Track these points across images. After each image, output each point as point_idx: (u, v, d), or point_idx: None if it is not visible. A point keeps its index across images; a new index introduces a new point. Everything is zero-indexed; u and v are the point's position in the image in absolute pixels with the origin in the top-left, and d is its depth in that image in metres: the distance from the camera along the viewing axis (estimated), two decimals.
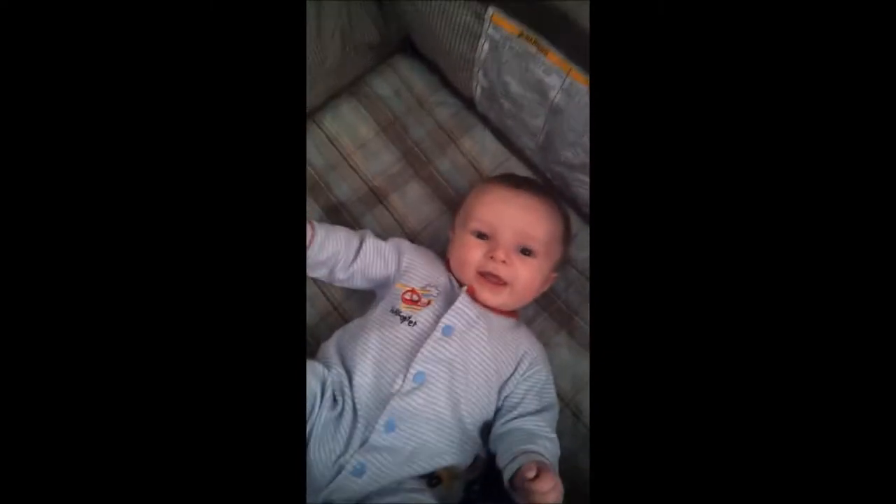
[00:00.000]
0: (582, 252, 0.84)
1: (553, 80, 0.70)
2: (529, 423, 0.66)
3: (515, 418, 0.67)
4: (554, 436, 0.67)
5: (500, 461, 0.63)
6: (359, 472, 0.60)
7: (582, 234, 0.85)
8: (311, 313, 0.81)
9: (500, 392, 0.69)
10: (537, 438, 0.64)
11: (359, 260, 0.77)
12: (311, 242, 0.72)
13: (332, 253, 0.74)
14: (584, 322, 0.81)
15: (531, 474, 0.56)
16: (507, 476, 0.61)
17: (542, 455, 0.62)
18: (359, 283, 0.79)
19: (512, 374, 0.70)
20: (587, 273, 0.83)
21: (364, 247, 0.78)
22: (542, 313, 0.81)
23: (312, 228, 0.73)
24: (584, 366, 0.78)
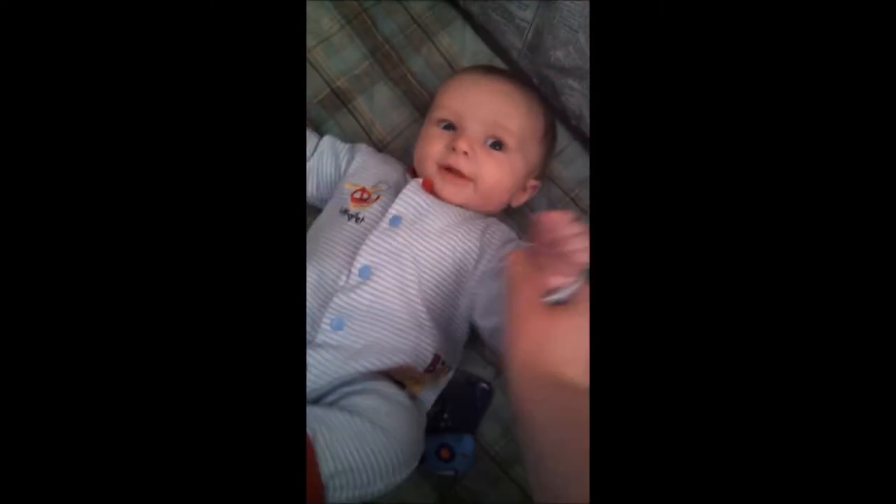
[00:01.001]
0: (568, 170, 0.75)
1: None
2: None
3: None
4: None
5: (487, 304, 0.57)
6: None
7: (569, 149, 0.75)
8: None
9: (464, 285, 0.61)
10: None
11: (312, 159, 0.69)
12: None
13: None
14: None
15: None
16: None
17: None
18: (309, 188, 0.70)
19: (477, 264, 0.61)
20: (572, 194, 0.75)
21: (320, 144, 0.70)
22: (519, 233, 0.72)
23: None
24: None
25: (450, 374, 0.65)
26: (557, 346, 0.43)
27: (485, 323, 0.59)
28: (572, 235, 0.42)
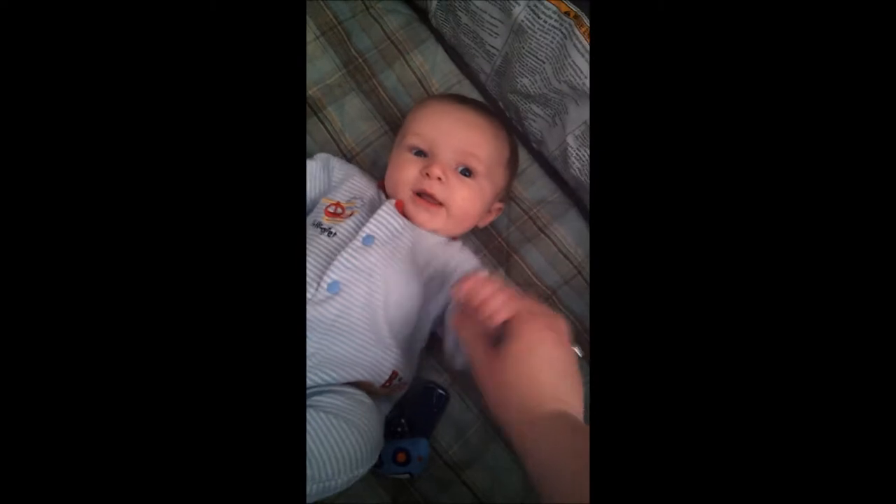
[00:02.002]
0: (528, 191, 0.80)
1: None
2: None
3: None
4: None
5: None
6: None
7: (530, 170, 0.80)
8: None
9: (427, 308, 0.65)
10: None
11: None
12: None
13: None
14: (521, 262, 0.77)
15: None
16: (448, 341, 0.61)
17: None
18: None
19: (441, 288, 0.64)
20: (531, 213, 0.79)
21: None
22: (481, 249, 0.76)
23: None
24: None
25: (405, 389, 0.67)
26: (520, 380, 0.48)
27: (454, 363, 0.64)
28: (489, 297, 0.50)
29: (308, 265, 0.61)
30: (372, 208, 0.65)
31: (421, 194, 0.66)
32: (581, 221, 0.78)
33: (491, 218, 0.74)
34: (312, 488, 0.52)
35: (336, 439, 0.53)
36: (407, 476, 0.66)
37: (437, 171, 0.64)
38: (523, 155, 0.79)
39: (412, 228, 0.65)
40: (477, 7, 0.70)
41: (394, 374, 0.63)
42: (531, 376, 0.47)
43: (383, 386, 0.62)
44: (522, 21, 0.65)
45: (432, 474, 0.68)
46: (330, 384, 0.58)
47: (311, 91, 0.80)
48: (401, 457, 0.65)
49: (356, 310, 0.60)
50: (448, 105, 0.71)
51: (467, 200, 0.66)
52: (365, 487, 0.67)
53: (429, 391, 0.69)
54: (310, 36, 0.82)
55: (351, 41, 0.83)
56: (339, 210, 0.66)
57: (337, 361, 0.59)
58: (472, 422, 0.71)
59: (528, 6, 0.64)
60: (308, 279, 0.60)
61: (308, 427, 0.52)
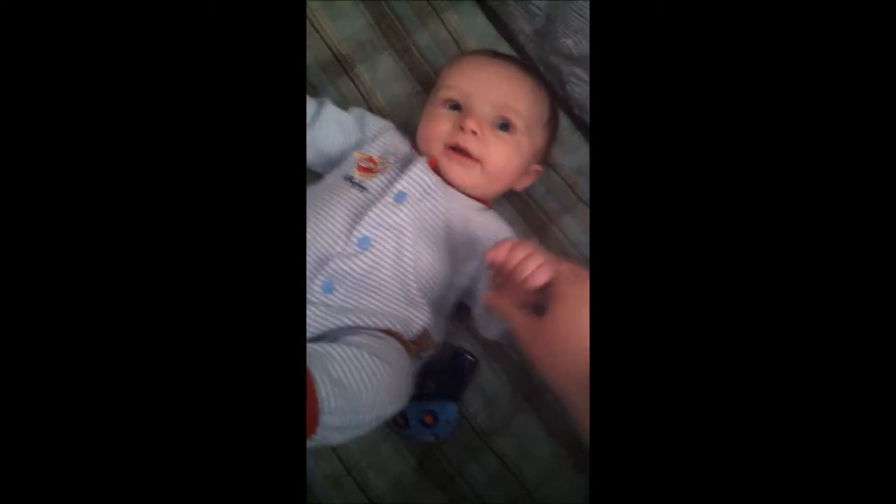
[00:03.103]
0: (567, 158, 0.77)
1: None
2: None
3: None
4: None
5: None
6: None
7: (570, 138, 0.78)
8: None
9: (457, 269, 0.63)
10: None
11: (315, 128, 0.67)
12: None
13: None
14: (558, 231, 0.75)
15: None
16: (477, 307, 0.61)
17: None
18: (310, 157, 0.69)
19: (471, 256, 0.63)
20: (570, 181, 0.77)
21: (323, 112, 0.68)
22: (516, 218, 0.74)
23: None
24: None
25: (434, 349, 0.66)
26: (568, 343, 0.48)
27: (486, 332, 0.63)
28: (524, 260, 0.50)
29: (337, 218, 0.60)
30: (405, 165, 0.63)
31: (455, 149, 0.64)
32: None
33: (528, 181, 0.72)
34: (346, 420, 0.50)
35: (367, 372, 0.51)
36: (433, 439, 0.65)
37: (471, 125, 0.62)
38: (564, 122, 0.76)
39: (445, 188, 0.64)
40: None
41: (425, 331, 0.62)
42: (581, 337, 0.46)
43: (413, 341, 0.61)
44: None
45: (460, 440, 0.67)
46: (360, 327, 0.57)
47: (342, 47, 0.78)
48: (428, 419, 0.64)
49: (386, 266, 0.59)
50: (485, 58, 0.69)
51: (504, 156, 0.64)
52: (391, 451, 0.67)
53: (458, 356, 0.68)
54: None
55: None
56: (372, 165, 0.64)
57: (366, 311, 0.58)
58: (501, 390, 0.69)
59: None
60: (337, 232, 0.59)
61: (341, 358, 0.51)
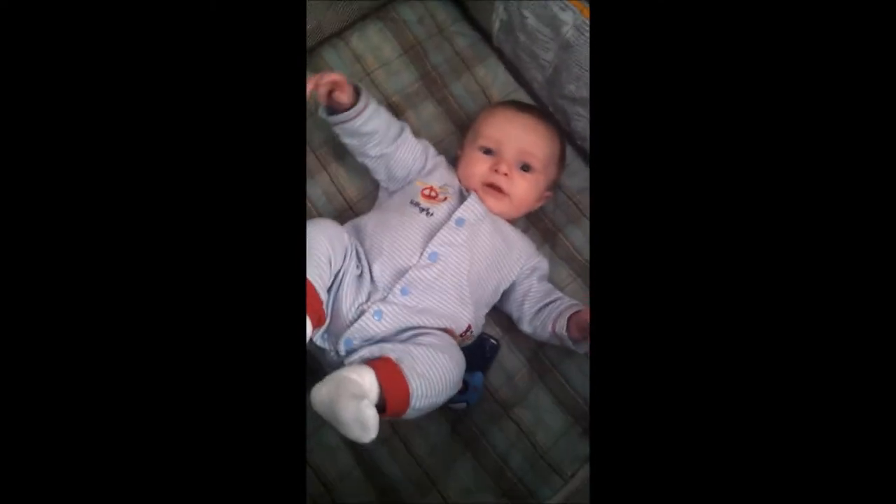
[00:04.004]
0: (571, 180, 0.94)
1: (566, 17, 0.79)
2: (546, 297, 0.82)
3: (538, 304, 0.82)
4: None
5: (549, 322, 0.80)
6: (378, 316, 0.73)
7: (573, 163, 0.94)
8: (329, 209, 0.91)
9: (502, 280, 0.82)
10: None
11: (396, 145, 0.85)
12: (359, 109, 0.79)
13: (373, 129, 0.82)
14: (565, 239, 0.92)
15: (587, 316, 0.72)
16: (561, 326, 0.78)
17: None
18: (381, 169, 0.86)
19: (510, 264, 0.82)
20: (574, 199, 0.93)
21: (404, 135, 0.86)
22: (531, 228, 0.91)
23: (357, 94, 0.80)
24: (562, 275, 0.90)
25: (472, 340, 0.83)
26: None
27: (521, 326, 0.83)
28: None
29: (410, 237, 0.78)
30: (459, 196, 0.83)
31: (490, 185, 0.83)
32: None
33: (541, 203, 0.90)
34: (427, 402, 0.69)
35: (441, 367, 0.70)
36: (464, 405, 0.81)
37: (504, 168, 0.82)
38: (569, 151, 0.93)
39: (491, 216, 0.83)
40: (532, 28, 0.86)
41: (469, 327, 0.79)
42: None
43: (461, 336, 0.79)
44: (569, 38, 0.81)
45: (484, 409, 0.83)
46: (426, 327, 0.75)
47: (395, 98, 0.98)
48: (462, 387, 0.79)
49: (448, 275, 0.77)
50: (512, 111, 0.87)
51: (526, 191, 0.84)
52: (429, 417, 0.82)
53: (483, 340, 0.84)
54: (394, 53, 0.99)
55: (427, 57, 1.00)
56: (434, 194, 0.83)
57: (432, 312, 0.76)
58: (519, 368, 0.85)
59: (574, 25, 0.79)
60: (411, 249, 0.77)
61: (421, 356, 0.70)
